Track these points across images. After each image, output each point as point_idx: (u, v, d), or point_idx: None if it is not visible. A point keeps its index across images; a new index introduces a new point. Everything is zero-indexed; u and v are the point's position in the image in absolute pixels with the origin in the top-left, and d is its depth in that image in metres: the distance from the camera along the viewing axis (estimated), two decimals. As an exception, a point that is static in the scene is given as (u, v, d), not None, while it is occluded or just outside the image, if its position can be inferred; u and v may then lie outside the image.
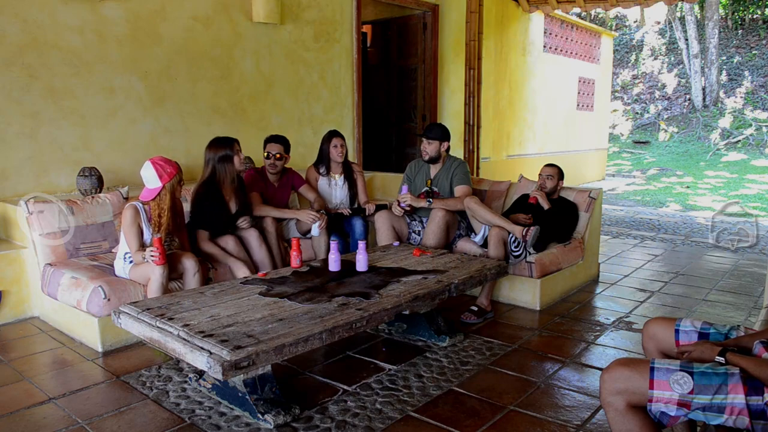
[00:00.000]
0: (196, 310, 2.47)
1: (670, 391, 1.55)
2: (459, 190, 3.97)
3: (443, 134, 4.02)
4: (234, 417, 2.39)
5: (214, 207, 3.57)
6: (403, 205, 3.91)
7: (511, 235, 3.67)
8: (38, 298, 3.59)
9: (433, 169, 4.10)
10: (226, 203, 3.64)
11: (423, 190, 4.06)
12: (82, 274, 3.20)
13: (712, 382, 1.53)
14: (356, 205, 4.47)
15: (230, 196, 3.66)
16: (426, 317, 3.17)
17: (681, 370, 1.56)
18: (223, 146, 3.57)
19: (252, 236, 3.64)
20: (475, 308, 3.62)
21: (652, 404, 1.57)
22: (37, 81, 3.84)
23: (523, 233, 3.59)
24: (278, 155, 4.02)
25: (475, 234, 3.96)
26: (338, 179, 4.42)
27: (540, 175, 4.19)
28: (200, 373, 2.66)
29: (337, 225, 4.29)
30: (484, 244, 3.85)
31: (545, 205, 4.02)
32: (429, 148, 4.01)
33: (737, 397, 1.50)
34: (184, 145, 4.61)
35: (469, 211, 3.88)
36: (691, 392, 1.53)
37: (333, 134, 4.36)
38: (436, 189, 4.06)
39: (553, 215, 4.03)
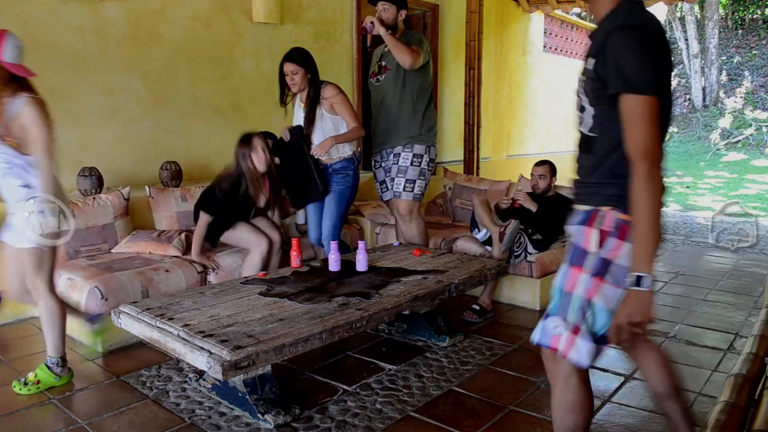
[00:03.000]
0: (196, 310, 2.47)
1: (561, 336, 1.61)
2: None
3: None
4: (234, 417, 2.39)
5: (239, 201, 3.53)
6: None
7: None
8: (38, 298, 3.58)
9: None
10: (249, 197, 3.57)
11: (373, 68, 3.77)
12: (77, 274, 3.20)
13: (562, 299, 1.62)
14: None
15: (257, 193, 3.59)
16: (426, 317, 3.17)
17: (548, 317, 1.66)
18: (242, 143, 3.53)
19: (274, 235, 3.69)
20: (477, 307, 3.62)
21: (567, 357, 1.61)
22: (37, 81, 3.83)
23: (501, 231, 3.57)
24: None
25: (479, 230, 3.89)
26: (303, 109, 3.69)
27: (532, 175, 4.05)
28: (200, 373, 2.66)
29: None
30: (487, 241, 3.81)
31: (532, 207, 3.88)
32: (385, 14, 3.50)
33: (577, 276, 1.60)
34: (185, 144, 4.60)
35: (473, 207, 3.85)
36: (565, 321, 1.61)
37: (282, 61, 3.52)
38: (384, 63, 3.66)
39: (549, 213, 3.96)
